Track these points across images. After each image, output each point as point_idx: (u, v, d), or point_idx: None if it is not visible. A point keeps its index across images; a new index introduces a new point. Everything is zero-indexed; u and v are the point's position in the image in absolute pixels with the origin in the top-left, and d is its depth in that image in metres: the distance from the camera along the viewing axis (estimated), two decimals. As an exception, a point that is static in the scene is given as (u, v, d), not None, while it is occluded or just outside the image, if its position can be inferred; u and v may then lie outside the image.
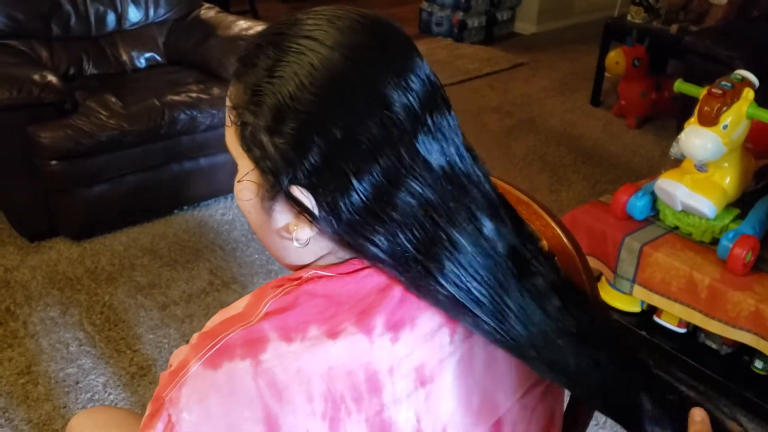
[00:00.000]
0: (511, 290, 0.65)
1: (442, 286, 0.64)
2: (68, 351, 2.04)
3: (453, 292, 0.64)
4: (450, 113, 0.66)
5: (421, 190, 0.62)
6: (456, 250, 0.63)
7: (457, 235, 0.63)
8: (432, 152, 0.63)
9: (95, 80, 2.79)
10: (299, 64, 0.61)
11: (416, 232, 0.63)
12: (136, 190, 2.57)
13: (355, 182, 0.61)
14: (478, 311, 0.65)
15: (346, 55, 0.60)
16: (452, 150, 0.64)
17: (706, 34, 3.06)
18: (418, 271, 0.64)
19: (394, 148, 0.61)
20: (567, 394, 0.98)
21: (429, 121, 0.63)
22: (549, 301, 0.67)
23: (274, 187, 0.64)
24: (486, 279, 0.65)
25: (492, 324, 0.65)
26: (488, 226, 0.65)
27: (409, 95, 0.62)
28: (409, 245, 0.63)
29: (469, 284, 0.64)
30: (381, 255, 0.64)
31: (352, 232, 0.64)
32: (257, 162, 0.64)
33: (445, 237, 0.63)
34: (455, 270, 0.64)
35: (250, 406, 0.61)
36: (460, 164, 0.65)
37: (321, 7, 0.65)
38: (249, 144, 0.64)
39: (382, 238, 0.63)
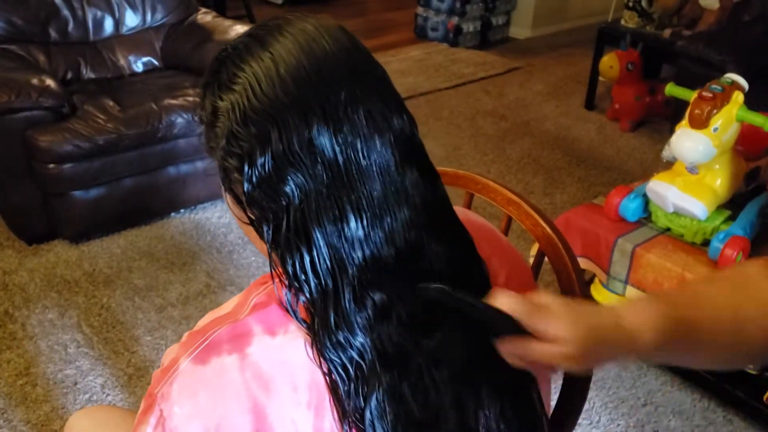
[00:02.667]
0: (344, 302, 0.64)
1: (288, 279, 0.64)
2: (66, 352, 2.06)
3: (295, 288, 0.64)
4: (384, 112, 0.65)
5: (302, 180, 0.62)
6: (308, 248, 0.63)
7: (316, 233, 0.63)
8: (326, 143, 0.62)
9: (93, 84, 2.80)
10: (235, 64, 0.66)
11: (283, 224, 0.63)
12: (133, 193, 2.59)
13: (247, 165, 0.63)
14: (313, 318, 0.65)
15: (277, 58, 0.64)
16: (360, 146, 0.63)
17: (698, 39, 3.09)
18: (281, 263, 0.65)
19: (287, 133, 0.62)
20: (558, 386, 1.00)
21: (340, 113, 0.63)
22: (386, 323, 0.65)
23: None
24: (324, 283, 0.64)
25: (317, 332, 0.64)
26: (353, 228, 0.63)
27: (319, 90, 0.63)
28: (273, 236, 0.64)
29: (309, 282, 0.64)
30: (268, 246, 0.65)
31: (255, 219, 0.66)
32: (211, 153, 0.69)
33: (303, 232, 0.63)
34: (302, 266, 0.63)
35: (237, 398, 0.64)
36: (362, 161, 0.63)
37: (285, 16, 0.69)
38: (205, 137, 0.70)
39: (265, 226, 0.65)
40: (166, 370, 0.67)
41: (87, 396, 1.92)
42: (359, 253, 0.63)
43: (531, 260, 1.07)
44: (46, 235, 2.55)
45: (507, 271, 0.80)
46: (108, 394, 1.93)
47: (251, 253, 2.54)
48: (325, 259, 0.63)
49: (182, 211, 2.79)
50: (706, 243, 1.89)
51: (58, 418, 1.84)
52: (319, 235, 0.62)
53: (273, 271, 0.66)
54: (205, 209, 2.82)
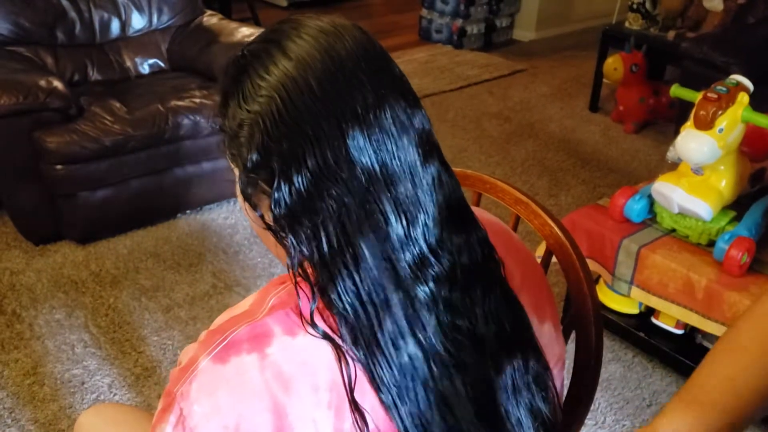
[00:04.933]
0: (393, 309, 0.64)
1: (338, 298, 0.64)
2: (74, 352, 2.07)
3: (345, 306, 0.64)
4: (407, 110, 0.66)
5: (340, 192, 0.62)
6: (356, 263, 0.63)
7: (363, 247, 0.63)
8: (362, 150, 0.62)
9: (100, 86, 2.82)
10: (258, 73, 0.65)
11: (323, 240, 0.63)
12: (140, 195, 2.60)
13: (282, 182, 0.63)
14: (353, 334, 0.65)
15: (300, 63, 0.64)
16: (391, 147, 0.64)
17: (702, 41, 3.09)
18: (322, 280, 0.64)
19: (321, 147, 0.62)
20: (565, 385, 1.01)
21: (370, 116, 0.63)
22: (435, 310, 0.66)
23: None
24: (371, 296, 0.64)
25: (367, 351, 0.65)
26: (397, 231, 0.64)
27: (347, 93, 0.63)
28: (319, 255, 0.64)
29: (361, 298, 0.64)
30: (295, 262, 0.65)
31: (282, 232, 0.66)
32: (232, 161, 0.69)
33: (348, 246, 0.63)
34: (349, 284, 0.63)
35: (257, 397, 0.64)
36: (394, 161, 0.64)
37: (298, 18, 0.69)
38: (227, 145, 0.69)
39: (296, 244, 0.64)
40: (185, 369, 0.67)
41: (94, 396, 1.93)
42: (408, 256, 0.64)
43: (537, 261, 1.07)
44: (53, 235, 2.56)
45: (521, 272, 0.81)
46: (115, 394, 1.94)
47: (257, 254, 2.55)
48: (379, 269, 0.63)
49: (188, 212, 2.80)
50: (712, 244, 1.89)
51: (66, 418, 1.85)
52: (364, 246, 0.63)
53: (296, 281, 0.65)
54: (211, 210, 2.83)
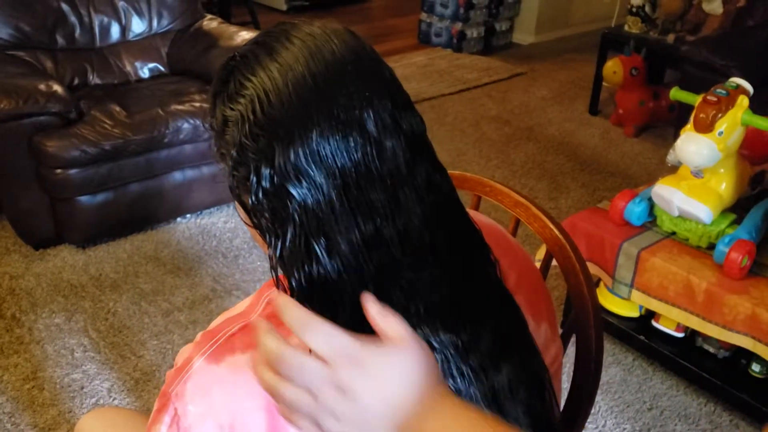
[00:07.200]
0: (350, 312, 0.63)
1: (308, 295, 0.64)
2: (73, 357, 2.07)
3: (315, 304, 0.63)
4: (393, 112, 0.65)
5: (307, 192, 0.62)
6: (315, 261, 0.62)
7: (335, 244, 0.62)
8: (333, 152, 0.62)
9: (100, 90, 2.82)
10: (243, 74, 0.66)
11: (288, 237, 0.63)
12: (139, 199, 2.60)
13: (253, 178, 0.63)
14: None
15: (284, 65, 0.64)
16: (370, 149, 0.63)
17: (702, 44, 3.10)
18: (295, 277, 0.64)
19: (293, 145, 0.62)
20: (565, 389, 1.01)
21: (350, 117, 0.62)
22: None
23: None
24: (333, 296, 0.63)
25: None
26: (366, 234, 0.63)
27: (329, 95, 0.63)
28: (280, 250, 0.64)
29: (314, 294, 0.63)
30: (275, 259, 0.65)
31: (262, 229, 0.66)
32: (221, 159, 0.69)
33: (306, 246, 0.62)
34: (308, 279, 0.63)
35: (251, 396, 0.65)
36: (368, 164, 0.63)
37: (291, 22, 0.69)
38: (215, 144, 0.70)
39: (274, 239, 0.64)
40: (180, 370, 0.67)
41: (94, 400, 1.92)
42: (375, 260, 0.63)
43: (537, 264, 1.07)
44: (53, 239, 2.56)
45: (517, 273, 0.81)
46: (114, 398, 1.93)
47: (257, 257, 2.55)
48: (335, 270, 0.62)
49: (188, 216, 2.80)
50: (712, 247, 1.89)
51: (65, 422, 1.85)
52: (324, 247, 0.62)
53: (277, 278, 0.66)
54: (210, 214, 2.83)
